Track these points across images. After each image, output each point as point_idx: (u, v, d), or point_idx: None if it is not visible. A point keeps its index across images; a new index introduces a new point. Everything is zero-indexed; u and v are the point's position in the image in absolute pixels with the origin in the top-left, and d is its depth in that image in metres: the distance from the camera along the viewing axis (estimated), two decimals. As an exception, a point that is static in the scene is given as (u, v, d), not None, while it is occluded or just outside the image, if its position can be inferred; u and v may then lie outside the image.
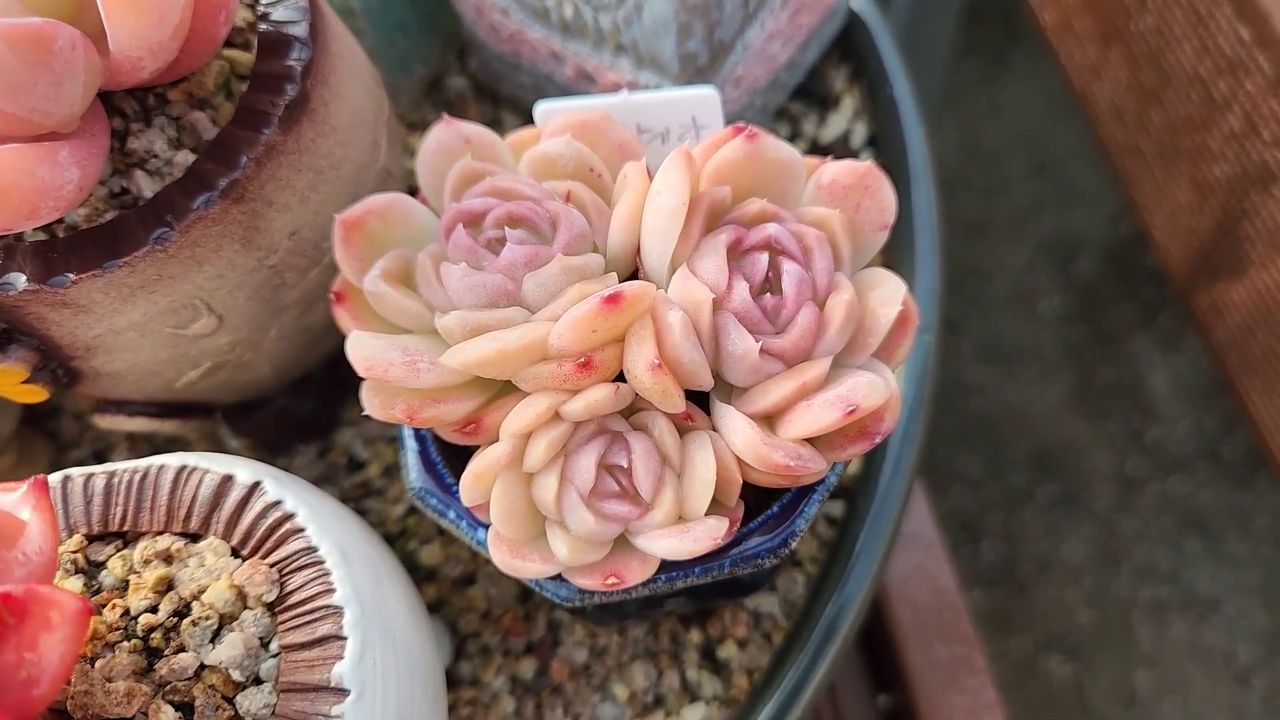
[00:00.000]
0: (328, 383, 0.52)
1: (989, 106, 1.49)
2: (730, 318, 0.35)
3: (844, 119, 0.62)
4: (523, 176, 0.38)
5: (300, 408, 0.52)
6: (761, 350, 0.34)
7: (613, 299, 0.32)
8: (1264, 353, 0.83)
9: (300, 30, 0.39)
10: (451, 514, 0.38)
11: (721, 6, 0.48)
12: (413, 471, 0.39)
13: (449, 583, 0.51)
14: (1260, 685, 1.11)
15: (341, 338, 0.36)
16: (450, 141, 0.39)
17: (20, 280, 0.35)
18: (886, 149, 0.59)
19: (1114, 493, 1.23)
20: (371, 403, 0.35)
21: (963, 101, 1.49)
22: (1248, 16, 0.73)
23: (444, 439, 0.37)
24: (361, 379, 0.35)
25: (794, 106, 0.62)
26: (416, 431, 0.40)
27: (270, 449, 0.53)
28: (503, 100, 0.63)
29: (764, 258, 0.36)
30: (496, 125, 0.62)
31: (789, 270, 0.36)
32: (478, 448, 0.36)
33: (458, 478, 0.36)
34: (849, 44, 0.62)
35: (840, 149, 0.61)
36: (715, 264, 0.35)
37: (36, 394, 0.40)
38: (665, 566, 0.36)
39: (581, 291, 0.34)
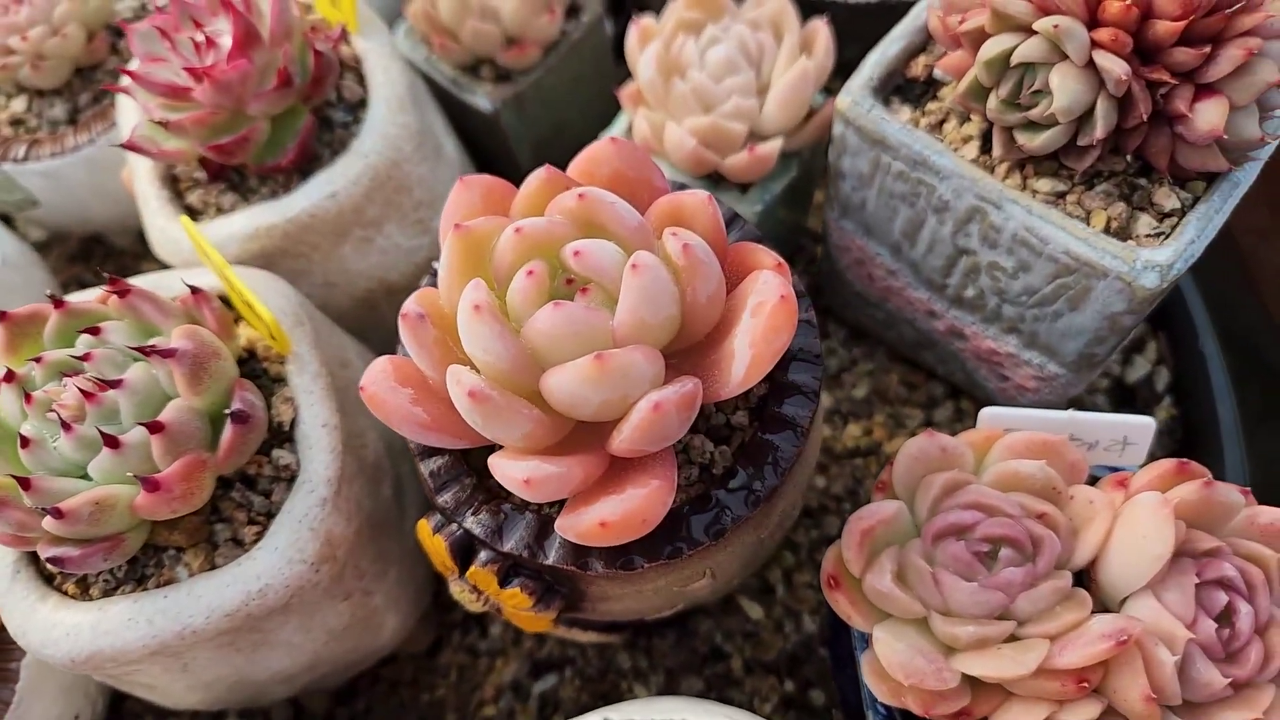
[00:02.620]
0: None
1: None
2: (1196, 649, 0.41)
3: (1147, 362, 0.68)
4: (993, 492, 0.45)
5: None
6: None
7: (1121, 643, 0.39)
8: None
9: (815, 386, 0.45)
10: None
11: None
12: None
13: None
14: None
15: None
16: (930, 450, 0.46)
17: (599, 565, 0.42)
18: (1190, 399, 0.65)
19: None
20: (879, 689, 0.42)
21: None
22: None
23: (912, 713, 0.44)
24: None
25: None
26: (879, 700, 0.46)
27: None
28: (833, 314, 0.70)
29: (1221, 595, 0.42)
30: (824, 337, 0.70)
31: (1244, 610, 0.42)
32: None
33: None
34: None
35: (1145, 391, 0.67)
36: (1183, 598, 0.42)
37: (541, 623, 0.48)
38: None
39: (1078, 618, 0.41)
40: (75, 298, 0.45)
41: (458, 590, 0.48)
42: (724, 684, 0.60)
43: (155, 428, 0.41)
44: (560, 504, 0.45)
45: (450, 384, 0.38)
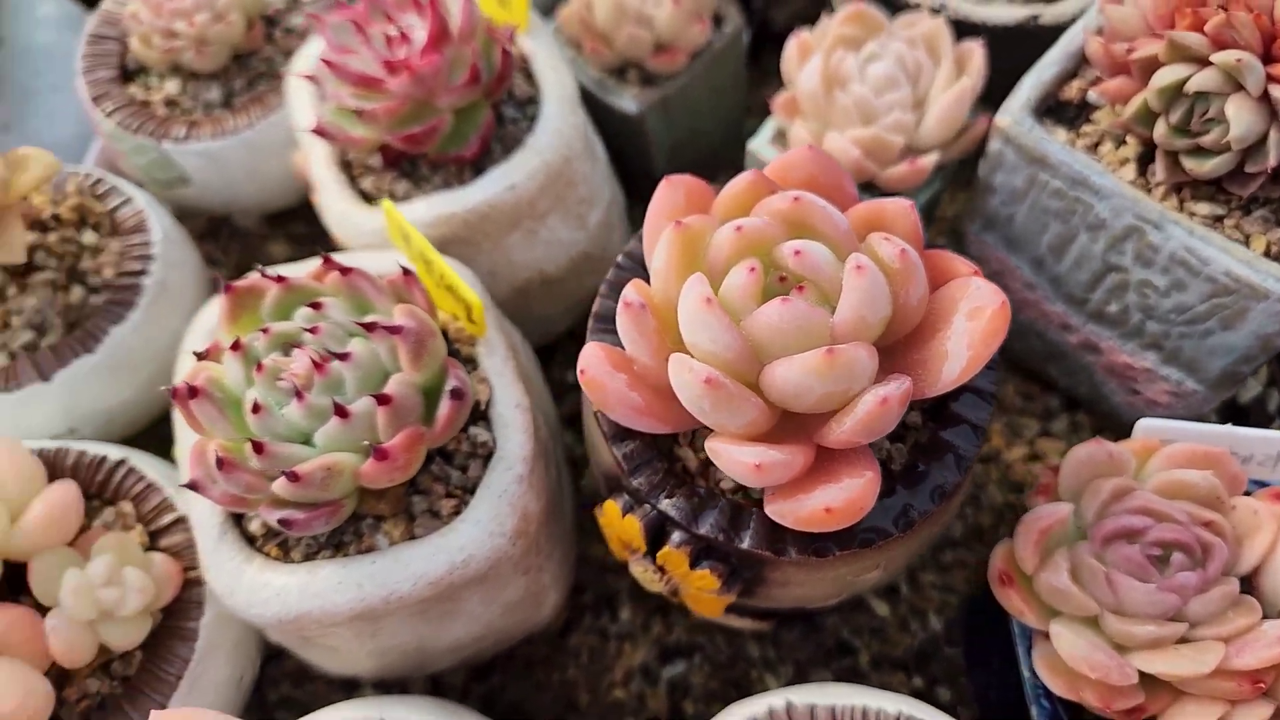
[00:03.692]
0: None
1: None
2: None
3: (1259, 384, 0.70)
4: (1159, 498, 0.47)
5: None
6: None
7: (1301, 644, 0.41)
8: None
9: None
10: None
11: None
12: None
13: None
14: None
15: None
16: (1097, 456, 0.48)
17: (793, 551, 0.44)
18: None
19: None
20: (1056, 683, 0.44)
21: None
22: None
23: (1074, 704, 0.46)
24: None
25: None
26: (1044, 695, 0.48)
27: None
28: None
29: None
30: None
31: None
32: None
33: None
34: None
35: (1257, 411, 0.69)
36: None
37: (717, 606, 0.50)
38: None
39: (1249, 622, 0.43)
40: (290, 273, 0.47)
41: (640, 570, 0.50)
42: (852, 678, 0.62)
43: (383, 400, 0.43)
44: (743, 491, 0.47)
45: (678, 371, 0.40)
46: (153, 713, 0.40)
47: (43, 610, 0.50)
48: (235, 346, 0.45)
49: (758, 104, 0.87)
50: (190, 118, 0.70)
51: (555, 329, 0.71)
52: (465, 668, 0.64)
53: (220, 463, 0.42)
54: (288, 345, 0.45)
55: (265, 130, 0.69)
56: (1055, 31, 0.66)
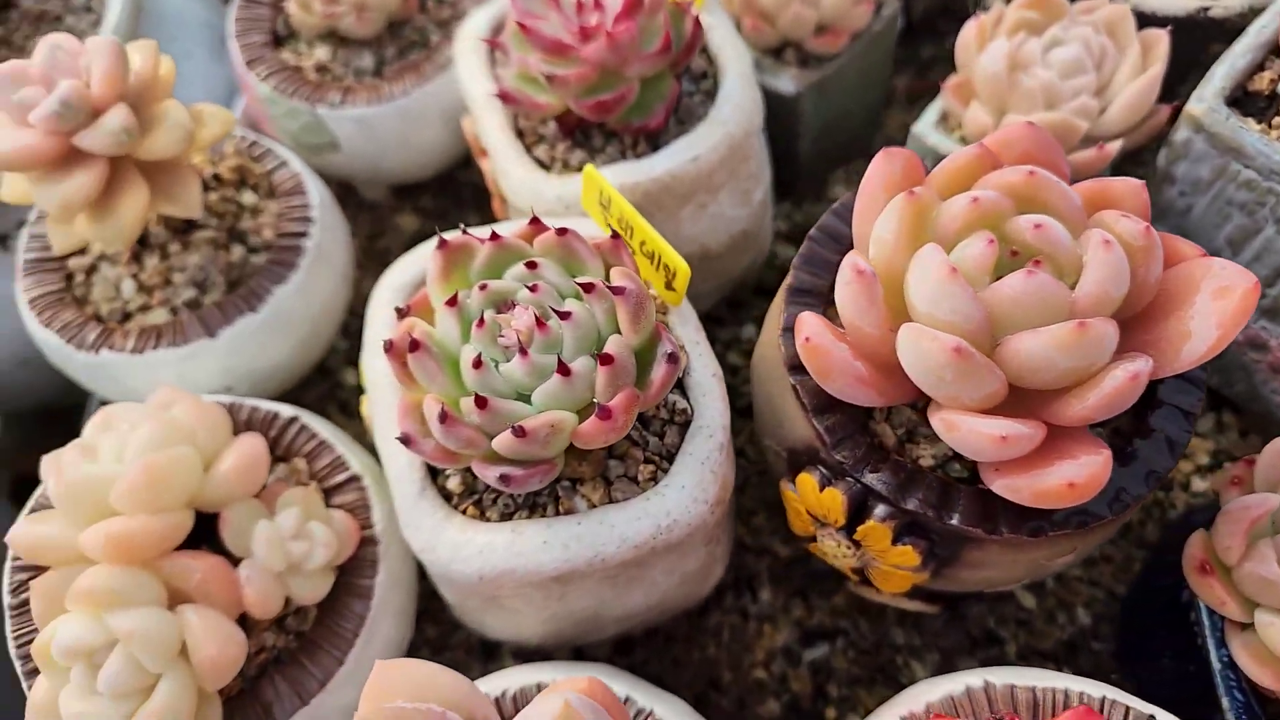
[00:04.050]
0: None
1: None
2: None
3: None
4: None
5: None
6: None
7: None
8: None
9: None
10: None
11: None
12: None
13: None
14: None
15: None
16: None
17: (1004, 530, 0.44)
18: None
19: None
20: (1261, 674, 0.44)
21: None
22: None
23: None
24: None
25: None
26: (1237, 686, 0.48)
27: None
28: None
29: None
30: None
31: None
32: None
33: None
34: None
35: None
36: None
37: (906, 583, 0.50)
38: None
39: None
40: (503, 230, 0.47)
41: (832, 545, 0.49)
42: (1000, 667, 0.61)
43: (605, 359, 0.43)
44: (943, 468, 0.47)
45: (916, 340, 0.40)
46: (377, 663, 0.40)
47: (233, 562, 0.50)
48: (451, 302, 0.45)
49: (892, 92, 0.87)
50: (343, 84, 0.70)
51: (699, 308, 0.70)
52: (609, 643, 0.64)
53: (443, 416, 0.42)
54: (502, 303, 0.45)
55: (419, 98, 0.69)
56: (1223, 25, 0.65)
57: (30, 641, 0.50)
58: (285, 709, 0.50)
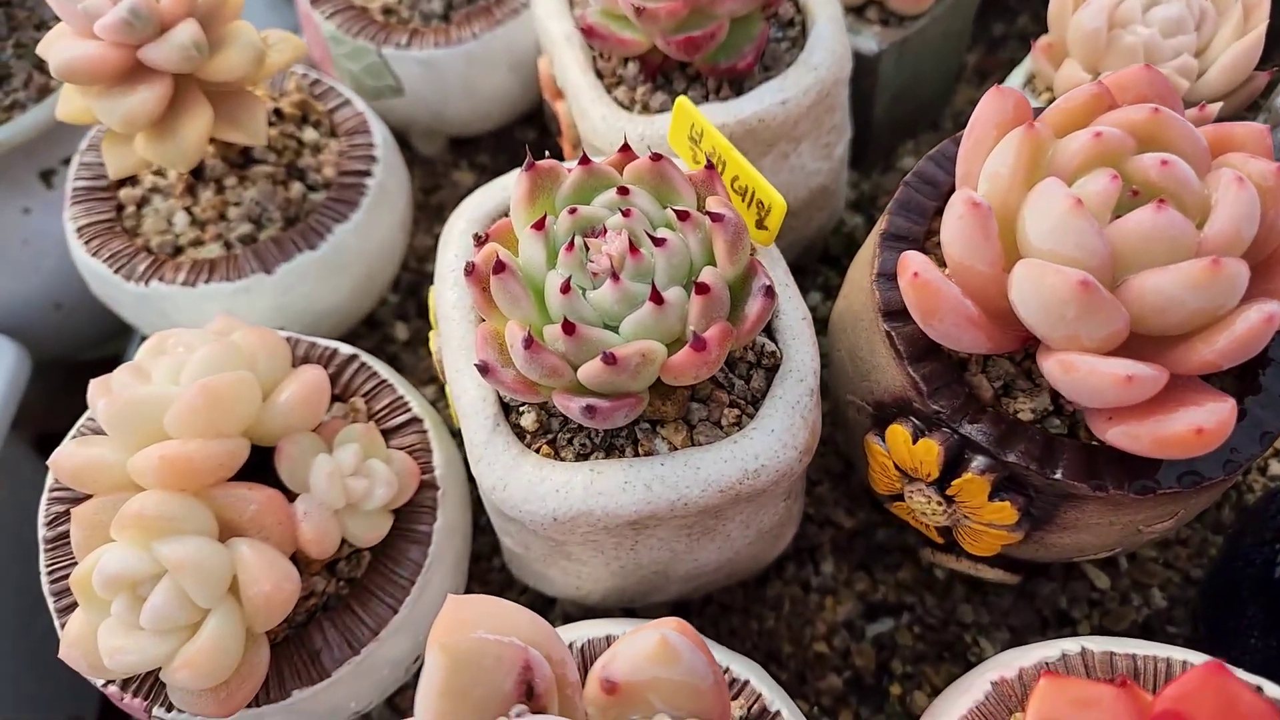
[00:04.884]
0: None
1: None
2: None
3: None
4: None
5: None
6: None
7: None
8: None
9: None
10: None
11: None
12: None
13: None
14: None
15: None
16: None
17: (1110, 485, 0.42)
18: None
19: None
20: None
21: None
22: None
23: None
24: None
25: None
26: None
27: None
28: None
29: None
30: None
31: None
32: None
33: None
34: None
35: None
36: None
37: (996, 544, 0.47)
38: None
39: None
40: (593, 157, 0.45)
41: (922, 501, 0.47)
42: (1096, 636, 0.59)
43: (702, 289, 0.40)
44: (1043, 422, 0.45)
45: (1038, 275, 0.38)
46: (450, 597, 0.37)
47: (289, 497, 0.48)
48: (538, 225, 0.43)
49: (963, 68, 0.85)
50: (410, 25, 0.68)
51: (765, 270, 0.68)
52: (665, 609, 0.62)
53: (528, 342, 0.40)
54: (589, 231, 0.43)
55: (488, 42, 0.67)
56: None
57: (66, 576, 0.48)
58: (335, 657, 0.48)
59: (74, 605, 0.47)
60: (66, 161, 0.71)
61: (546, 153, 0.46)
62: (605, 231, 0.43)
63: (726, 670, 0.44)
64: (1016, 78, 0.62)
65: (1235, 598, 0.56)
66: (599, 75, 0.58)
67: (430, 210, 0.80)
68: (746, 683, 0.44)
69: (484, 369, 0.42)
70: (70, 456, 0.46)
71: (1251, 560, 0.53)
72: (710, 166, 0.45)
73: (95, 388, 0.49)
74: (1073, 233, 0.38)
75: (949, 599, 0.61)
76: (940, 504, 0.46)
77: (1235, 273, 0.37)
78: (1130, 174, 0.41)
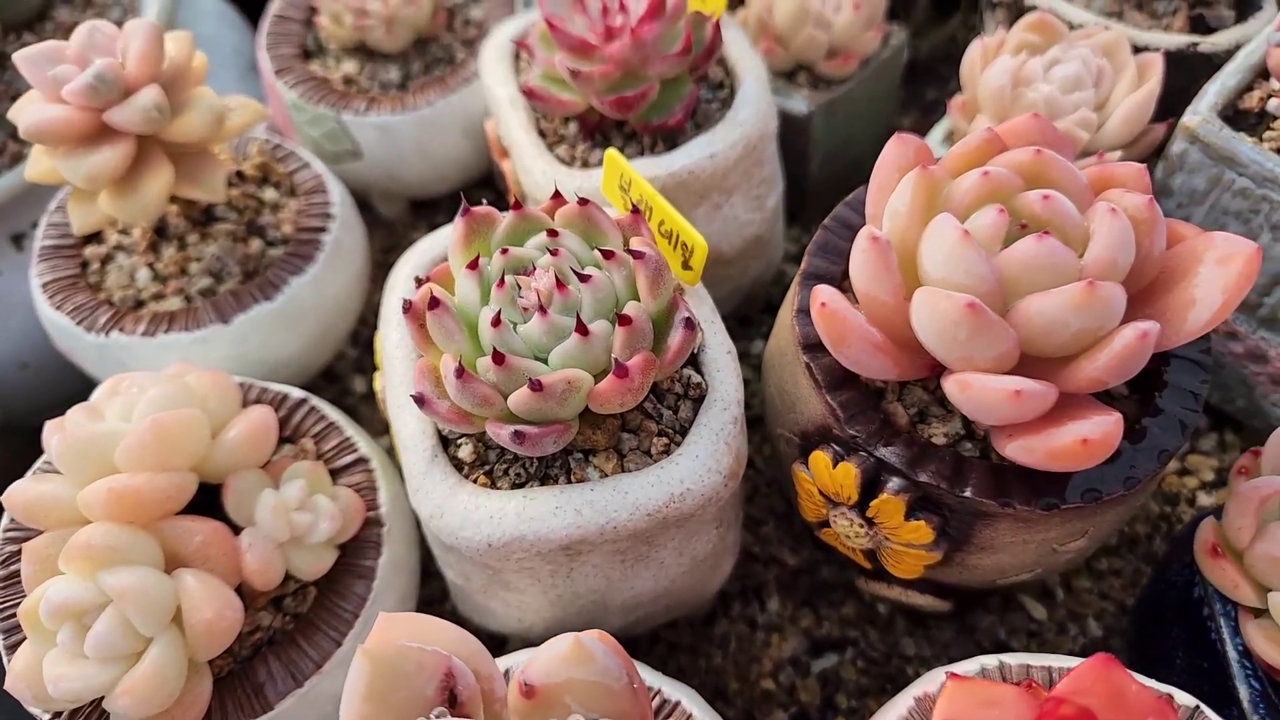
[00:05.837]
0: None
1: None
2: None
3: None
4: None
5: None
6: None
7: None
8: None
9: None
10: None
11: None
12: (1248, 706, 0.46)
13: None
14: None
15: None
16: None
17: (1017, 503, 0.44)
18: None
19: None
20: (1276, 657, 0.43)
21: None
22: None
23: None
24: None
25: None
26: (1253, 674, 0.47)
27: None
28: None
29: None
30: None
31: None
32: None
33: None
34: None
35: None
36: None
37: (919, 566, 0.49)
38: None
39: None
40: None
41: (845, 525, 0.49)
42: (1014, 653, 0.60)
43: (624, 321, 0.43)
44: (955, 446, 0.47)
45: (932, 302, 0.41)
46: (381, 614, 0.39)
47: (235, 531, 0.49)
48: (472, 265, 0.46)
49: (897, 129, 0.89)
50: (369, 94, 0.73)
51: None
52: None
53: (460, 372, 0.43)
54: (521, 270, 0.46)
55: (442, 109, 0.71)
56: (1210, 60, 0.68)
57: (15, 616, 0.49)
58: (278, 690, 0.49)
59: (22, 641, 0.48)
60: (35, 224, 0.74)
61: (484, 201, 0.50)
62: (535, 270, 0.46)
63: (658, 692, 0.45)
64: (937, 134, 0.67)
65: (1161, 620, 0.57)
66: (542, 135, 0.62)
67: (388, 269, 0.83)
68: (678, 703, 0.45)
69: (420, 400, 0.45)
70: (23, 492, 0.48)
71: (1174, 583, 0.55)
72: (636, 210, 0.48)
73: (50, 427, 0.51)
74: (962, 261, 0.41)
75: (891, 633, 0.63)
76: (862, 526, 0.48)
77: (1111, 295, 0.40)
78: (1018, 209, 0.44)
